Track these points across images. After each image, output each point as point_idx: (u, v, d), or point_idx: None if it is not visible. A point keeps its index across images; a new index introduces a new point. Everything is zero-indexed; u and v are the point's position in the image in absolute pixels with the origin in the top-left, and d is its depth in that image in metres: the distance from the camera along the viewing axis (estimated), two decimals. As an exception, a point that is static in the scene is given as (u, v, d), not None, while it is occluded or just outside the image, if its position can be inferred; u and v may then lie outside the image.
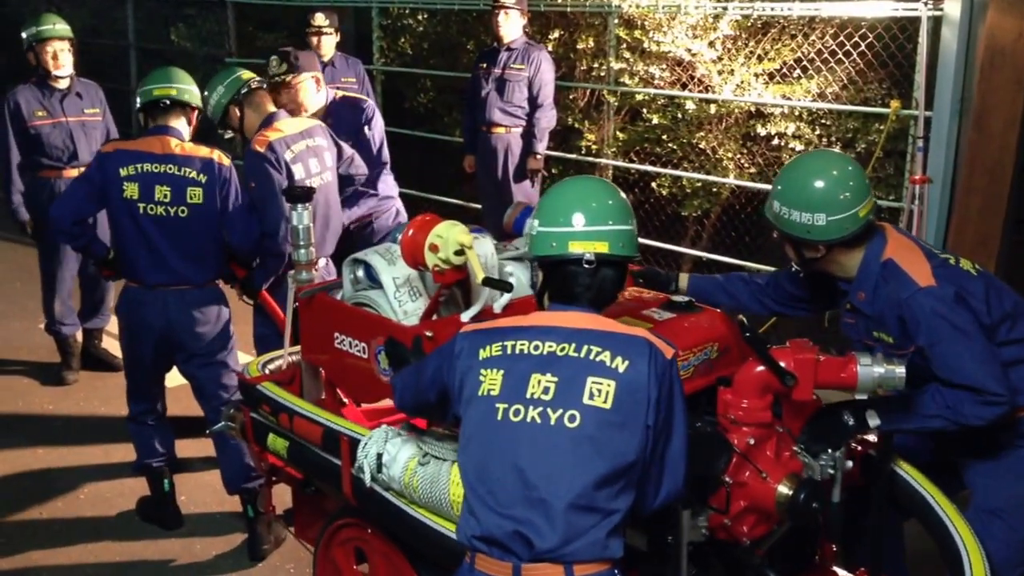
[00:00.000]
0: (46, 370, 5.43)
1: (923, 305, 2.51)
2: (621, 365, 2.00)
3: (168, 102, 3.78)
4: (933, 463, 2.83)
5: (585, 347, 2.03)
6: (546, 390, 2.01)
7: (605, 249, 2.14)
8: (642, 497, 2.06)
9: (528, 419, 1.99)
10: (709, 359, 2.69)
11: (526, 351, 2.06)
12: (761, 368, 2.43)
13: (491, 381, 2.05)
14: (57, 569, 3.69)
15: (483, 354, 2.09)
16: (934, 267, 2.58)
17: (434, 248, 2.57)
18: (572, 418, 1.97)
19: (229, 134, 4.10)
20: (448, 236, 2.56)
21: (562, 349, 2.04)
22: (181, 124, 3.83)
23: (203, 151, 3.77)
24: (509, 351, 2.07)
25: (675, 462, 2.08)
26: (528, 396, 2.01)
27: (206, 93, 4.05)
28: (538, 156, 6.01)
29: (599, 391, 1.99)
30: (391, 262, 2.85)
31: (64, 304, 5.33)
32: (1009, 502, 2.69)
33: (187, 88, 3.85)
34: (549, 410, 1.99)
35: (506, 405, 2.02)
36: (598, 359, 2.02)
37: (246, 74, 4.06)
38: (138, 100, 3.86)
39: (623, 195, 2.26)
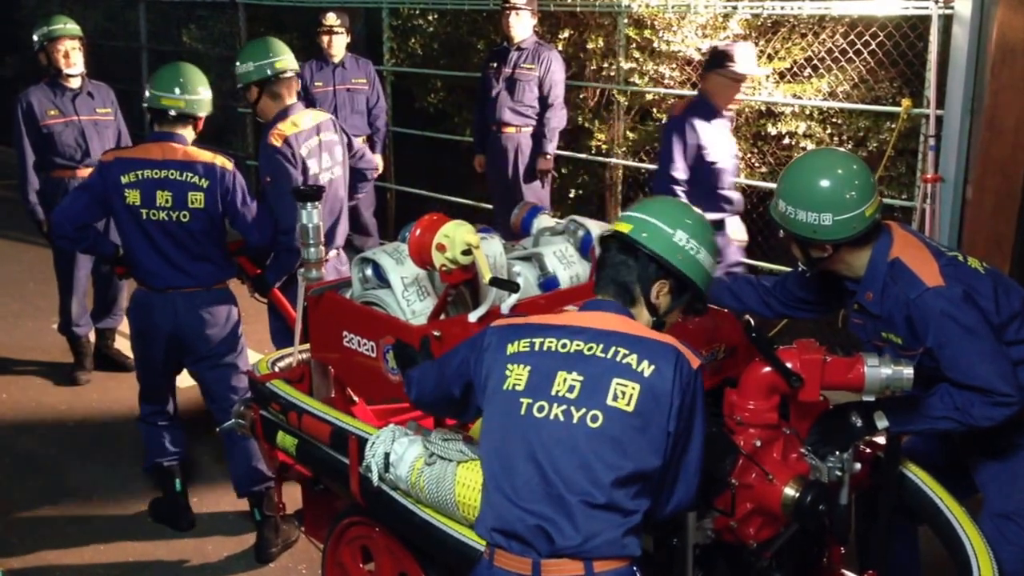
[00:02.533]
0: (59, 370, 5.47)
1: (931, 305, 2.48)
2: (647, 369, 2.00)
3: (175, 113, 3.73)
4: (945, 466, 2.80)
5: (613, 348, 2.04)
6: (571, 388, 2.01)
7: (625, 230, 2.17)
8: (654, 504, 2.06)
9: (551, 416, 2.00)
10: (716, 360, 2.69)
11: (553, 348, 2.07)
12: (767, 369, 2.42)
13: (517, 376, 2.06)
14: (69, 569, 3.71)
15: (511, 349, 2.10)
16: (942, 266, 2.55)
17: (441, 248, 2.57)
18: (595, 418, 1.98)
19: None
20: (455, 236, 2.57)
21: (589, 349, 2.05)
22: (187, 132, 3.77)
23: (205, 155, 3.72)
24: (536, 347, 2.08)
25: (689, 472, 2.08)
26: (553, 393, 2.02)
27: (238, 63, 4.03)
28: (548, 156, 6.00)
29: (623, 393, 1.99)
30: (399, 261, 2.86)
31: (80, 304, 5.37)
32: (1022, 505, 2.66)
33: (196, 99, 3.74)
34: (573, 408, 2.00)
35: (530, 400, 2.03)
36: (624, 361, 2.02)
37: (281, 64, 3.98)
38: (146, 100, 3.79)
39: (698, 214, 2.26)
